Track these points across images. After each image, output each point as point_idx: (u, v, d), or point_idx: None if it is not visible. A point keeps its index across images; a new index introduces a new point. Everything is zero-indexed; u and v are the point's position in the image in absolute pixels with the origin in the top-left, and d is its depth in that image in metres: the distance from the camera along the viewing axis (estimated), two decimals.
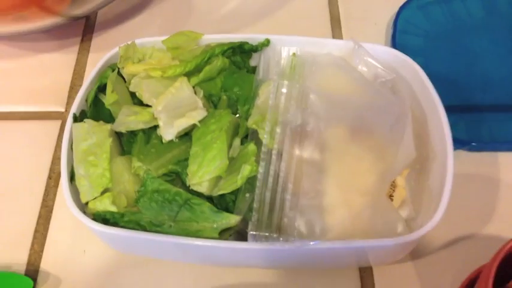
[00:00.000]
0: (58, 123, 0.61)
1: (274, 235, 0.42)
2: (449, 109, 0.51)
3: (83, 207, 0.46)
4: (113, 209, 0.44)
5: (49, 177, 0.57)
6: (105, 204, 0.44)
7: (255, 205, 0.43)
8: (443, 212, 0.44)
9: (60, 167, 0.54)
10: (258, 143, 0.47)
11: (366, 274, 0.50)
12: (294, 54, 0.52)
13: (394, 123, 0.48)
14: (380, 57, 0.53)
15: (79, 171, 0.46)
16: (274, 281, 0.50)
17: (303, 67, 0.50)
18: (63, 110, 0.62)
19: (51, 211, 0.54)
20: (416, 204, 0.49)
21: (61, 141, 0.58)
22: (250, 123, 0.47)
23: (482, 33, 0.64)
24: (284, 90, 0.47)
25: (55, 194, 0.55)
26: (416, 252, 0.51)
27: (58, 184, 0.56)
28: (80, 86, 0.64)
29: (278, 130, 0.45)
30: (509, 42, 0.63)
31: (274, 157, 0.45)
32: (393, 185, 0.49)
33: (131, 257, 0.51)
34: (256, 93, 0.50)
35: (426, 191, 0.48)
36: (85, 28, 0.69)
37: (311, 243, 0.42)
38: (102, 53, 0.65)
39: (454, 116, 0.55)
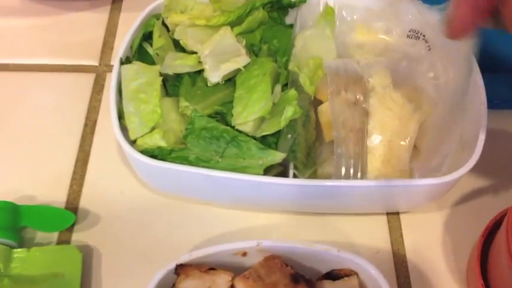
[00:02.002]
0: (92, 76, 0.63)
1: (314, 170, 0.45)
2: None
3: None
4: (163, 144, 0.46)
5: (85, 125, 0.58)
6: (155, 140, 0.46)
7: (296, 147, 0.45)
8: (477, 159, 0.46)
9: (97, 115, 0.57)
10: (298, 90, 0.49)
11: (393, 221, 0.53)
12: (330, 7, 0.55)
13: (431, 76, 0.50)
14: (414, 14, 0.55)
15: (129, 109, 0.48)
16: (307, 224, 0.52)
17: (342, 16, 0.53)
18: (96, 64, 0.64)
19: (88, 155, 0.56)
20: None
21: (96, 93, 0.61)
22: (292, 66, 0.49)
23: None
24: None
25: (91, 140, 0.57)
26: (441, 202, 0.53)
27: (94, 131, 0.58)
28: (113, 42, 0.66)
29: (320, 74, 0.48)
30: None
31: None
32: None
33: (168, 199, 0.53)
34: (293, 44, 0.53)
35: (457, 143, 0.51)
36: None
37: (348, 182, 0.45)
38: (133, 13, 0.67)
39: None
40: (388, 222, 0.53)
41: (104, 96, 0.61)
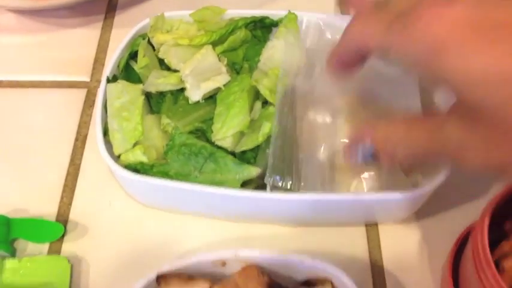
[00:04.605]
0: (84, 91, 0.65)
1: (289, 183, 0.47)
2: None
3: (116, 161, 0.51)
4: (144, 159, 0.49)
5: (76, 139, 0.61)
6: (137, 155, 0.49)
7: (270, 159, 0.47)
8: (447, 173, 0.48)
9: (88, 130, 0.59)
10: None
11: (371, 232, 0.54)
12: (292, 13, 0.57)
13: (401, 93, 0.52)
14: None
15: (113, 126, 0.50)
16: (285, 235, 0.54)
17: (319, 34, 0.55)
18: (88, 80, 0.66)
19: (78, 169, 0.58)
20: (423, 171, 0.53)
21: (87, 108, 0.63)
22: (253, 79, 0.52)
23: None
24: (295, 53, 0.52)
25: (82, 154, 0.60)
26: (420, 214, 0.55)
27: (84, 145, 0.60)
28: (104, 59, 0.68)
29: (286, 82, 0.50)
30: None
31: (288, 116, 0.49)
32: None
33: (153, 210, 0.55)
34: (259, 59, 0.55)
35: None
36: (108, 6, 0.74)
37: (323, 195, 0.47)
38: (124, 29, 0.69)
39: None
40: (367, 233, 0.54)
41: (94, 111, 0.63)
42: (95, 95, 0.65)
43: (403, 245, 0.54)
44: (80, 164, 0.59)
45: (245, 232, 0.54)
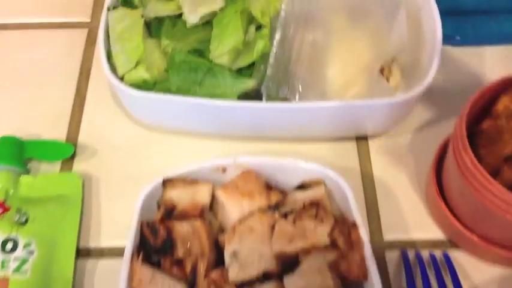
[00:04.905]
0: (85, 31, 0.69)
1: (285, 92, 0.51)
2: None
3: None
4: (147, 76, 0.52)
5: (80, 73, 0.64)
6: (140, 72, 0.52)
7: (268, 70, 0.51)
8: (431, 79, 0.52)
9: (91, 63, 0.63)
10: (272, 29, 0.55)
11: (362, 146, 0.59)
12: None
13: (389, 11, 0.55)
14: None
15: (116, 49, 0.54)
16: (283, 150, 0.58)
17: None
18: (89, 20, 0.70)
19: (84, 98, 0.62)
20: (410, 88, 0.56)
21: (89, 45, 0.67)
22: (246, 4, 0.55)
23: None
24: None
25: (87, 85, 0.63)
26: (404, 129, 0.59)
27: (89, 78, 0.64)
28: (103, 2, 0.71)
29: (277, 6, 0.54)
30: None
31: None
32: (390, 71, 0.57)
33: (157, 132, 0.59)
34: None
35: (418, 76, 0.56)
36: None
37: (314, 102, 0.51)
38: None
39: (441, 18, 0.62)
40: (357, 146, 0.58)
41: (96, 48, 0.67)
42: (96, 34, 0.68)
43: (391, 155, 0.58)
44: (85, 94, 0.63)
45: (243, 149, 0.58)
